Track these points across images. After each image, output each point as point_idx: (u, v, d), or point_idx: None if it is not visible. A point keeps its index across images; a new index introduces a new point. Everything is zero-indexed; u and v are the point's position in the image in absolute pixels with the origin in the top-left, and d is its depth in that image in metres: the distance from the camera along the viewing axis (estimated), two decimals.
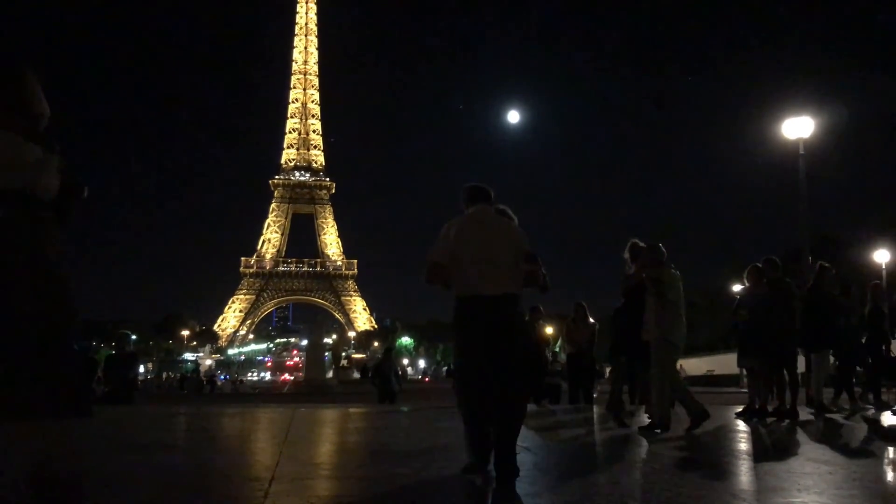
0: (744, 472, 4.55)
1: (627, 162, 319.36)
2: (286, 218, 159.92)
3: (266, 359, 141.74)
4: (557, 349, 13.24)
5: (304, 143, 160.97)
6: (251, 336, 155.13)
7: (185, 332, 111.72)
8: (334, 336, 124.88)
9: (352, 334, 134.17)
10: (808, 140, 14.97)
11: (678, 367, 7.14)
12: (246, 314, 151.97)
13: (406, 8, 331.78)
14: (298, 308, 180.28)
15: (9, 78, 2.31)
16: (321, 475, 4.31)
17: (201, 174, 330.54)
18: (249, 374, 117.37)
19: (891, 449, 6.06)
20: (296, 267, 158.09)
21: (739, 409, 8.68)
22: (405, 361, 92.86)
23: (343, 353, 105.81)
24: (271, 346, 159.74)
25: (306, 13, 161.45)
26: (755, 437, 6.57)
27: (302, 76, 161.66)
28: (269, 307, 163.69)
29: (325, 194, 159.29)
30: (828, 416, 8.40)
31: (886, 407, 9.35)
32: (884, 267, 31.53)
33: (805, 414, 8.21)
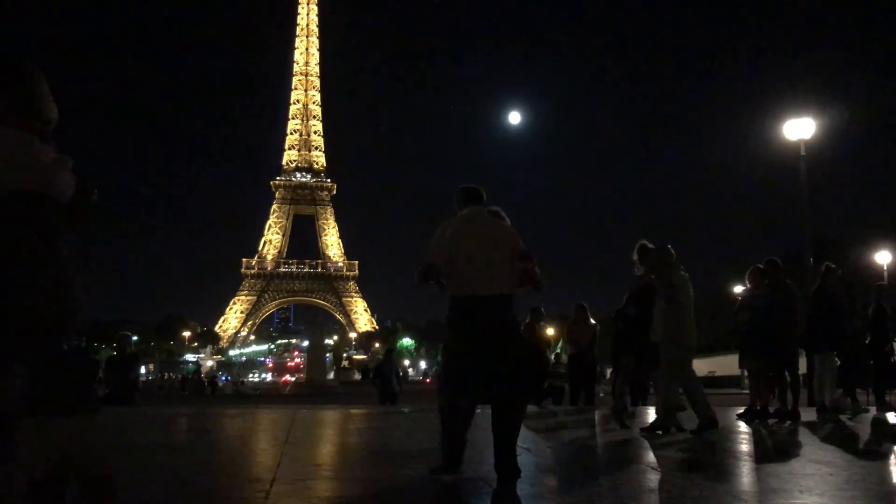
0: (745, 474, 4.55)
1: (629, 163, 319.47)
2: (287, 219, 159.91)
3: (267, 360, 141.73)
4: (559, 350, 13.23)
5: (306, 145, 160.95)
6: (252, 337, 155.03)
7: (187, 333, 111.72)
8: (335, 337, 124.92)
9: (353, 335, 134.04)
10: (809, 141, 14.96)
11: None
12: (247, 315, 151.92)
13: (407, 8, 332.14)
14: (299, 309, 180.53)
15: (22, 78, 2.31)
16: (322, 476, 4.31)
17: (203, 175, 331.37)
18: (250, 375, 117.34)
19: (893, 450, 6.05)
20: (297, 268, 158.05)
21: (741, 410, 8.67)
22: (406, 362, 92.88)
23: (344, 355, 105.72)
24: (272, 347, 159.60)
25: (307, 14, 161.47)
26: (757, 438, 6.57)
27: (303, 77, 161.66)
28: (270, 308, 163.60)
29: (327, 195, 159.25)
30: (829, 417, 8.39)
31: (889, 408, 9.33)
32: (885, 268, 31.51)
33: (807, 415, 8.21)
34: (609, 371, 18.17)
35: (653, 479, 4.27)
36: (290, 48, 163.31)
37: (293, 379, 72.55)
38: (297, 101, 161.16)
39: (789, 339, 8.10)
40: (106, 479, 2.27)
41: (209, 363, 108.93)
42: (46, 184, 2.21)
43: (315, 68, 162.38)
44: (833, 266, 9.24)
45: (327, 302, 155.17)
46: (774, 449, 5.95)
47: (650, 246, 7.13)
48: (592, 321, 11.46)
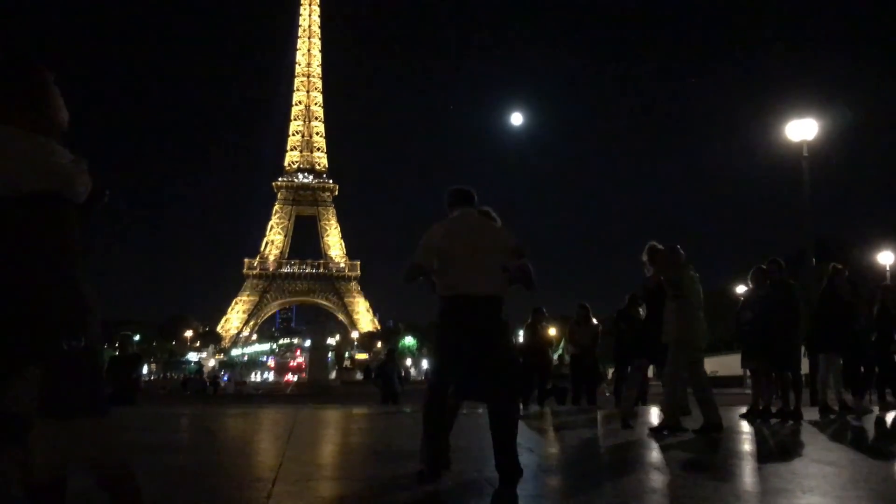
0: (748, 474, 4.54)
1: (632, 163, 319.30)
2: (289, 219, 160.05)
3: (269, 360, 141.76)
4: (561, 351, 13.22)
5: (308, 146, 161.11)
6: (254, 337, 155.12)
7: (189, 334, 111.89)
8: (337, 337, 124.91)
9: (355, 335, 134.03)
10: (811, 142, 14.95)
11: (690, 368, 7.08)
12: (249, 315, 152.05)
13: (409, 9, 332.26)
14: (301, 309, 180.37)
15: (37, 81, 2.32)
16: (324, 476, 4.32)
17: (205, 176, 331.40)
18: (252, 375, 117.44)
19: None
20: (299, 268, 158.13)
21: (743, 410, 8.66)
22: (408, 362, 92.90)
23: (346, 355, 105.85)
24: (274, 347, 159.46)
25: (309, 16, 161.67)
26: (759, 438, 6.56)
27: (305, 78, 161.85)
28: (272, 308, 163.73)
29: (329, 196, 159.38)
30: (832, 416, 8.38)
31: (892, 407, 9.31)
32: (888, 269, 31.47)
33: (809, 415, 8.20)
34: (611, 371, 18.13)
35: (655, 479, 4.26)
36: (293, 49, 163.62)
37: (295, 379, 72.68)
38: (299, 102, 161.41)
39: (791, 339, 8.09)
40: (127, 479, 2.28)
41: (211, 363, 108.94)
42: (67, 185, 2.23)
43: (317, 69, 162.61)
44: (840, 267, 9.22)
45: (329, 302, 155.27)
46: (777, 449, 5.94)
47: (660, 247, 7.11)
48: (595, 321, 11.47)
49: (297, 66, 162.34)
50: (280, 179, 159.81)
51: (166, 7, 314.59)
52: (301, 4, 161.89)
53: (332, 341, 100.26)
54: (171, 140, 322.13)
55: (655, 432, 6.44)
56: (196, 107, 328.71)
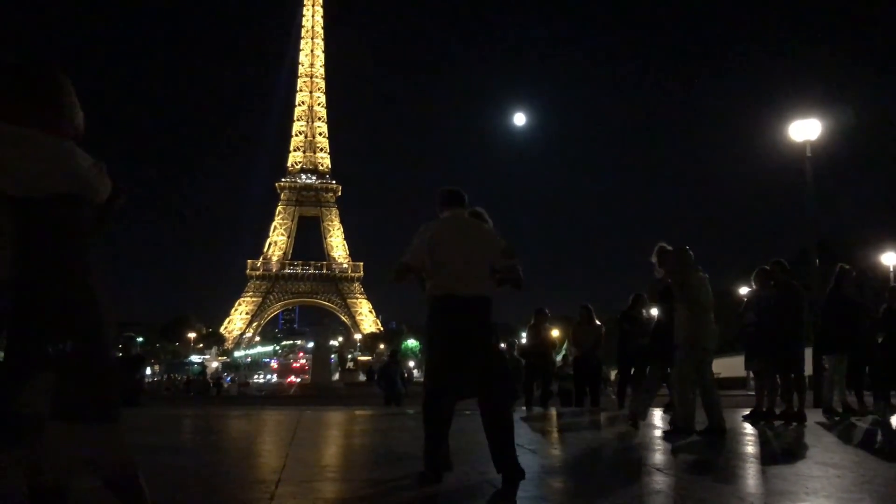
0: (751, 476, 4.53)
1: (635, 164, 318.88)
2: (292, 220, 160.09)
3: (272, 361, 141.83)
4: (564, 352, 13.21)
5: (311, 146, 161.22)
6: (257, 338, 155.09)
7: (192, 335, 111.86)
8: (340, 338, 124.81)
9: (358, 337, 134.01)
10: (815, 142, 14.91)
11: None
12: (252, 316, 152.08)
13: (412, 10, 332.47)
14: (304, 310, 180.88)
15: (57, 85, 2.34)
16: (327, 477, 4.32)
17: (208, 177, 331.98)
18: (256, 376, 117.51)
19: None
20: (302, 269, 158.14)
21: (747, 411, 8.64)
22: (411, 364, 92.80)
23: (349, 356, 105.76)
24: (277, 348, 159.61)
25: (312, 16, 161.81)
26: (763, 440, 6.54)
27: (308, 79, 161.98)
28: (275, 309, 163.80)
29: (332, 197, 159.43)
30: (836, 418, 8.36)
31: (894, 410, 9.28)
32: (892, 270, 31.37)
33: (813, 417, 8.17)
34: (613, 373, 18.12)
35: (658, 480, 4.26)
36: (296, 50, 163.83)
37: (298, 380, 72.67)
38: (303, 102, 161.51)
39: (795, 341, 8.07)
40: (134, 480, 2.28)
41: (214, 364, 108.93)
42: (89, 188, 2.25)
43: (320, 70, 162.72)
44: (848, 268, 9.18)
45: (332, 303, 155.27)
46: (780, 451, 5.93)
47: (668, 248, 7.10)
48: (598, 323, 11.47)
49: (300, 66, 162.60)
50: (283, 180, 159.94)
51: (169, 8, 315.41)
52: (304, 5, 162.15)
53: (335, 343, 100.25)
54: (174, 141, 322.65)
55: (670, 433, 6.43)
56: (197, 107, 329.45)
